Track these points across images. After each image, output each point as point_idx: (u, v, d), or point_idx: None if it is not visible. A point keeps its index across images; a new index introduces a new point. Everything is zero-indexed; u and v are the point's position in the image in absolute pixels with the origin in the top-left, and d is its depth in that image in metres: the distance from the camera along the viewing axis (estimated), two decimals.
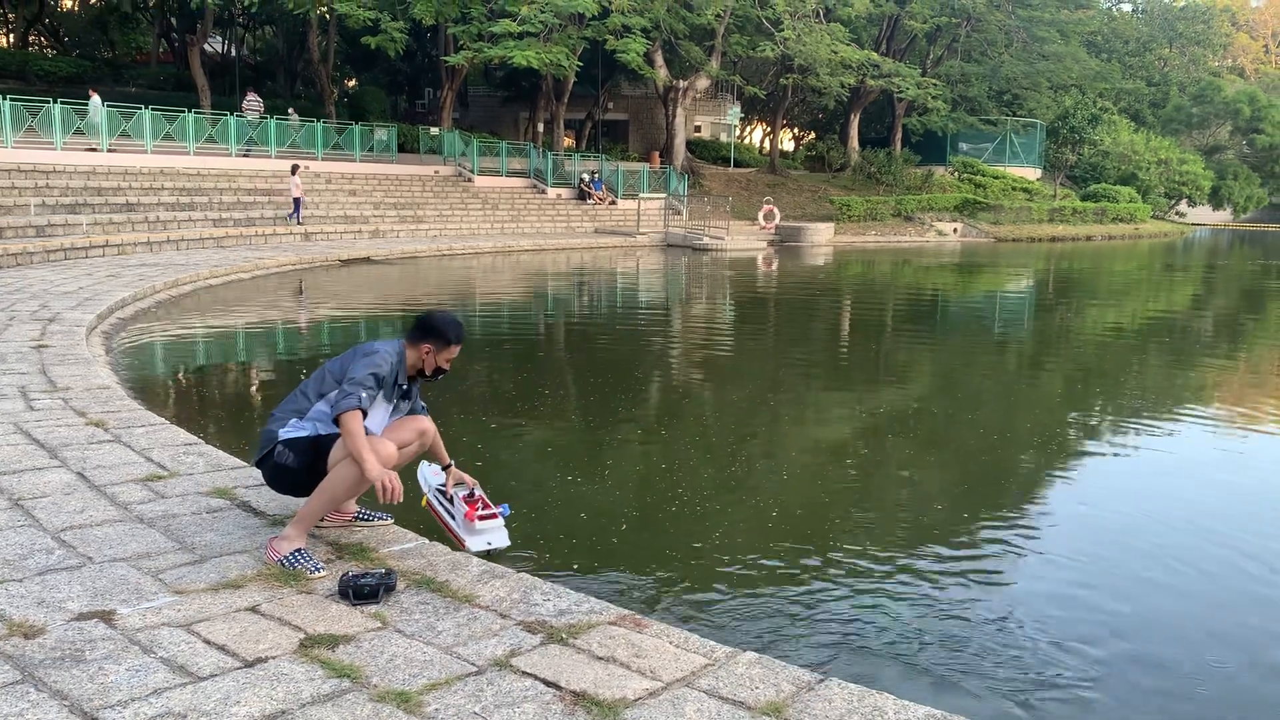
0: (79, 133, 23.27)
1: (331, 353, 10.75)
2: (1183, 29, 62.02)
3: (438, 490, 4.87)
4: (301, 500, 4.10)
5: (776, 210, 34.98)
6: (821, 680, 3.06)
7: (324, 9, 31.69)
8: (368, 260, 21.21)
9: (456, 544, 4.47)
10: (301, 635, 3.27)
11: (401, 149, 33.59)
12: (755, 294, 20.40)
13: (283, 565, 3.81)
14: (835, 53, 35.62)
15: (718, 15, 34.78)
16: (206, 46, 38.25)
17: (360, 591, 3.54)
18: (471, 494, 4.70)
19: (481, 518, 4.61)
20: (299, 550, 3.86)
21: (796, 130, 60.53)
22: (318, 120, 30.33)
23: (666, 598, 4.48)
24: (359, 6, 28.89)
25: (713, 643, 3.34)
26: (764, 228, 33.94)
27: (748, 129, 59.80)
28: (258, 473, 4.85)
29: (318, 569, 3.79)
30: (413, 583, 3.75)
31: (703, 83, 39.96)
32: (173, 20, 40.32)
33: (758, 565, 4.91)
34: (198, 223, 21.61)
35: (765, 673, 3.10)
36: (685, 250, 28.64)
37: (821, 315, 16.64)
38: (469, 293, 17.81)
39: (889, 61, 39.02)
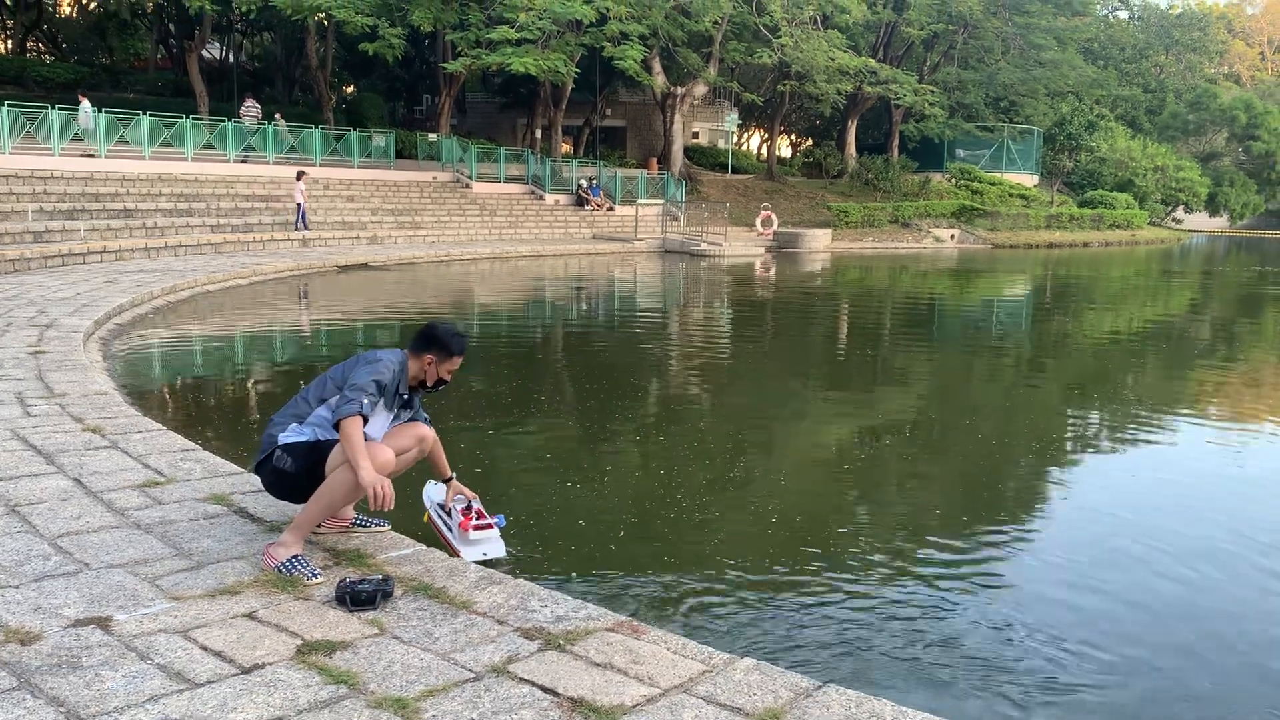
0: (76, 138, 23.27)
1: (329, 359, 10.76)
2: (1179, 36, 62.18)
3: (438, 506, 4.89)
4: (299, 506, 4.10)
5: (774, 216, 35.01)
6: (819, 686, 3.06)
7: (322, 15, 31.72)
8: (365, 266, 21.21)
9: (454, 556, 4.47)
10: (299, 641, 3.27)
11: (399, 155, 33.61)
12: (753, 300, 20.41)
13: (280, 571, 3.80)
14: (832, 59, 35.69)
15: (715, 22, 34.85)
16: (204, 52, 38.26)
17: (358, 598, 3.54)
18: (469, 506, 4.71)
19: (476, 527, 4.64)
20: (296, 556, 3.86)
21: (794, 137, 60.62)
22: (315, 126, 30.34)
23: (664, 604, 4.48)
24: (357, 13, 28.92)
25: (710, 649, 3.34)
26: (761, 234, 33.97)
27: (745, 135, 59.87)
28: (255, 479, 4.85)
29: (315, 575, 3.79)
30: (410, 589, 3.74)
31: (700, 89, 40.02)
32: (171, 26, 40.36)
33: (756, 571, 4.91)
34: (195, 229, 21.60)
35: (763, 679, 3.10)
36: (683, 256, 28.65)
37: (819, 321, 16.66)
38: (467, 299, 17.81)
39: (886, 68, 39.11)
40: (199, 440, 6.02)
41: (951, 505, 6.27)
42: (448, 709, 2.86)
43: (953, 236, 39.43)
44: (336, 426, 3.88)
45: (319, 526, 4.22)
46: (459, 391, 8.51)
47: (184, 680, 2.98)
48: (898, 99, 39.99)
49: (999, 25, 42.09)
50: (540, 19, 29.10)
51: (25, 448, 5.45)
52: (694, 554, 5.12)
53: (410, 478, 4.82)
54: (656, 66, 36.88)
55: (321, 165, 28.78)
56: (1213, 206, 61.53)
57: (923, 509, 6.14)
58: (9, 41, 42.10)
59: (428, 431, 4.38)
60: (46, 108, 22.62)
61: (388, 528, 4.43)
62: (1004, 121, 48.39)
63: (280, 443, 4.07)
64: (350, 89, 47.77)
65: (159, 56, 43.36)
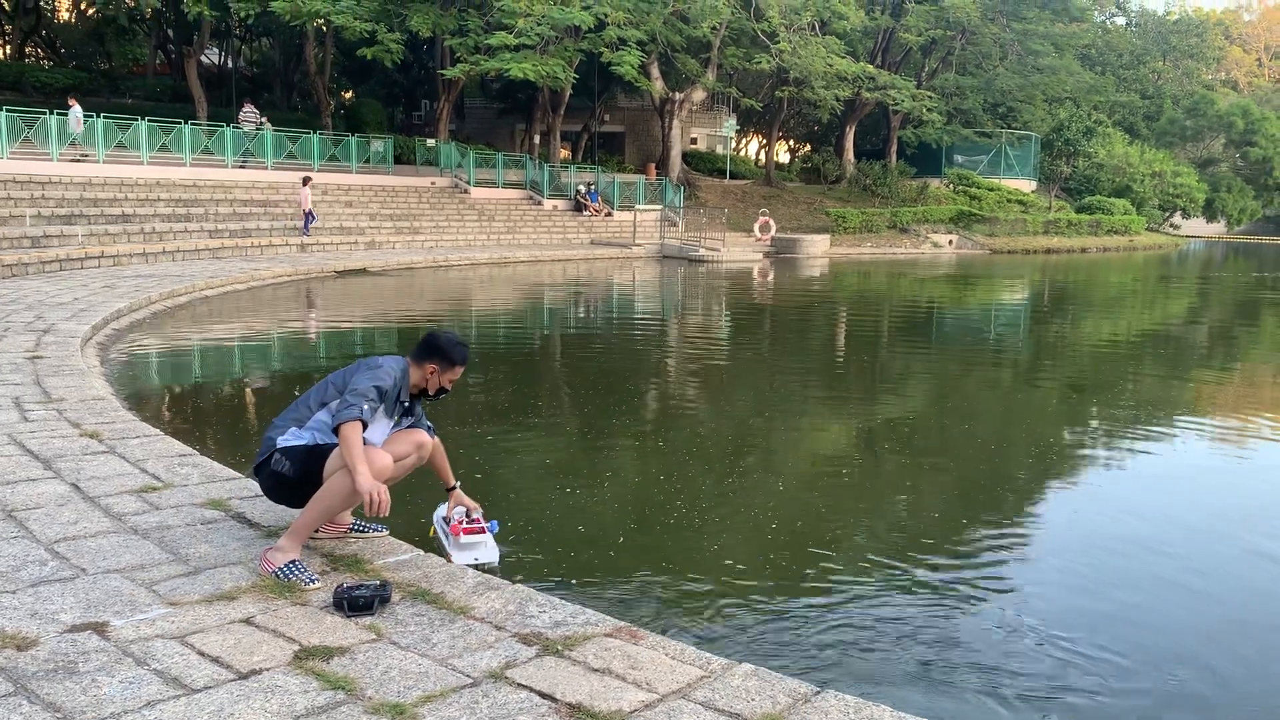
0: (74, 143, 23.27)
1: (327, 364, 10.76)
2: (1176, 42, 62.30)
3: (440, 519, 4.90)
4: (296, 511, 4.10)
5: (772, 222, 35.05)
6: (818, 692, 3.06)
7: (320, 21, 31.77)
8: (364, 271, 21.21)
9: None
10: (296, 647, 3.26)
11: (398, 160, 33.63)
12: (751, 306, 20.42)
13: (277, 577, 3.80)
14: (830, 65, 35.76)
15: (714, 28, 34.91)
16: (203, 58, 38.27)
17: (355, 603, 3.53)
18: (469, 515, 4.72)
19: (467, 531, 4.66)
20: (293, 562, 3.85)
21: (792, 142, 60.68)
22: (313, 132, 30.36)
23: (663, 609, 4.47)
24: (355, 19, 28.95)
25: (709, 654, 3.33)
26: (760, 239, 34.00)
27: (743, 141, 59.96)
28: (252, 484, 4.85)
29: (312, 580, 3.78)
30: (408, 594, 3.73)
31: (699, 95, 40.08)
32: (169, 32, 40.37)
33: (755, 576, 4.90)
34: (193, 234, 21.60)
35: (761, 684, 3.09)
36: (681, 262, 28.67)
37: (818, 327, 16.66)
38: (466, 304, 17.81)
39: (884, 74, 39.17)
40: (196, 445, 6.01)
41: (951, 509, 6.26)
42: (445, 715, 2.86)
43: (951, 242, 39.47)
44: (336, 431, 3.88)
45: (317, 531, 4.22)
46: (458, 397, 8.50)
47: (181, 686, 2.97)
48: (896, 105, 40.05)
49: (997, 31, 42.17)
50: (539, 25, 29.15)
51: (22, 452, 5.44)
52: (693, 559, 5.11)
53: (409, 483, 4.82)
54: (655, 72, 36.94)
55: (320, 170, 28.78)
56: (1210, 212, 61.61)
57: (922, 513, 6.14)
58: (7, 47, 42.12)
59: (427, 439, 4.38)
60: (45, 113, 22.60)
61: (386, 533, 4.42)
62: (1002, 127, 48.48)
63: (279, 446, 4.08)
64: (349, 94, 47.82)
65: (158, 62, 43.38)
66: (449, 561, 4.60)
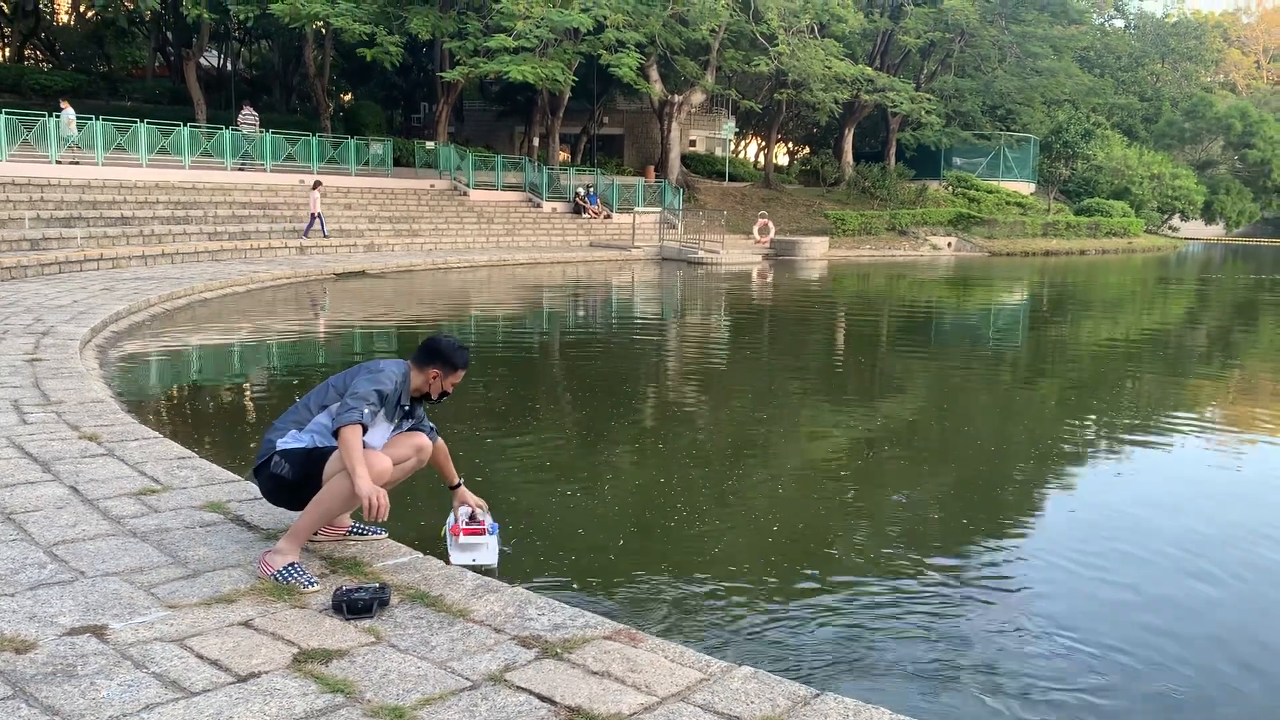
0: (74, 146, 23.26)
1: (326, 366, 10.75)
2: (1175, 45, 62.36)
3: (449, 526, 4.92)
4: (295, 514, 4.10)
5: (771, 224, 35.07)
6: (817, 695, 3.05)
7: (320, 23, 31.78)
8: (363, 274, 21.21)
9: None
10: (295, 650, 3.26)
11: (397, 163, 33.64)
12: (751, 308, 20.42)
13: (276, 579, 3.79)
14: (829, 68, 35.79)
15: (713, 30, 34.94)
16: (202, 60, 38.28)
17: (354, 606, 3.53)
18: (473, 516, 4.73)
19: (467, 532, 4.67)
20: (293, 564, 3.85)
21: (791, 145, 60.71)
22: (312, 134, 30.36)
23: (663, 612, 4.47)
24: (355, 21, 28.97)
25: (708, 657, 3.33)
26: (759, 242, 34.02)
27: (743, 143, 59.98)
28: (251, 487, 4.85)
29: (311, 583, 3.78)
30: (407, 597, 3.73)
31: (698, 97, 40.10)
32: (169, 34, 40.38)
33: (755, 578, 4.90)
34: (192, 236, 21.60)
35: (761, 687, 3.09)
36: (680, 264, 28.68)
37: (817, 329, 16.66)
38: (465, 307, 17.81)
39: (883, 76, 39.20)
40: (195, 448, 6.01)
41: (951, 510, 6.26)
42: (444, 717, 2.85)
43: (950, 244, 39.49)
44: (336, 434, 3.88)
45: (316, 534, 4.22)
46: (459, 399, 8.48)
47: (180, 689, 2.97)
48: (894, 107, 40.09)
49: (995, 34, 42.22)
50: (538, 27, 29.17)
51: (21, 455, 5.44)
52: (693, 561, 5.11)
53: (409, 487, 4.82)
54: (654, 74, 36.97)
55: (319, 173, 28.80)
56: (1209, 214, 61.69)
57: (922, 514, 6.13)
58: (7, 49, 42.12)
59: (427, 442, 4.38)
60: (44, 115, 22.60)
61: (385, 535, 4.42)
62: (1001, 129, 48.52)
63: (278, 448, 4.08)
64: (348, 97, 47.84)
65: (157, 64, 43.38)
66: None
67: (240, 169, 27.21)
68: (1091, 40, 49.81)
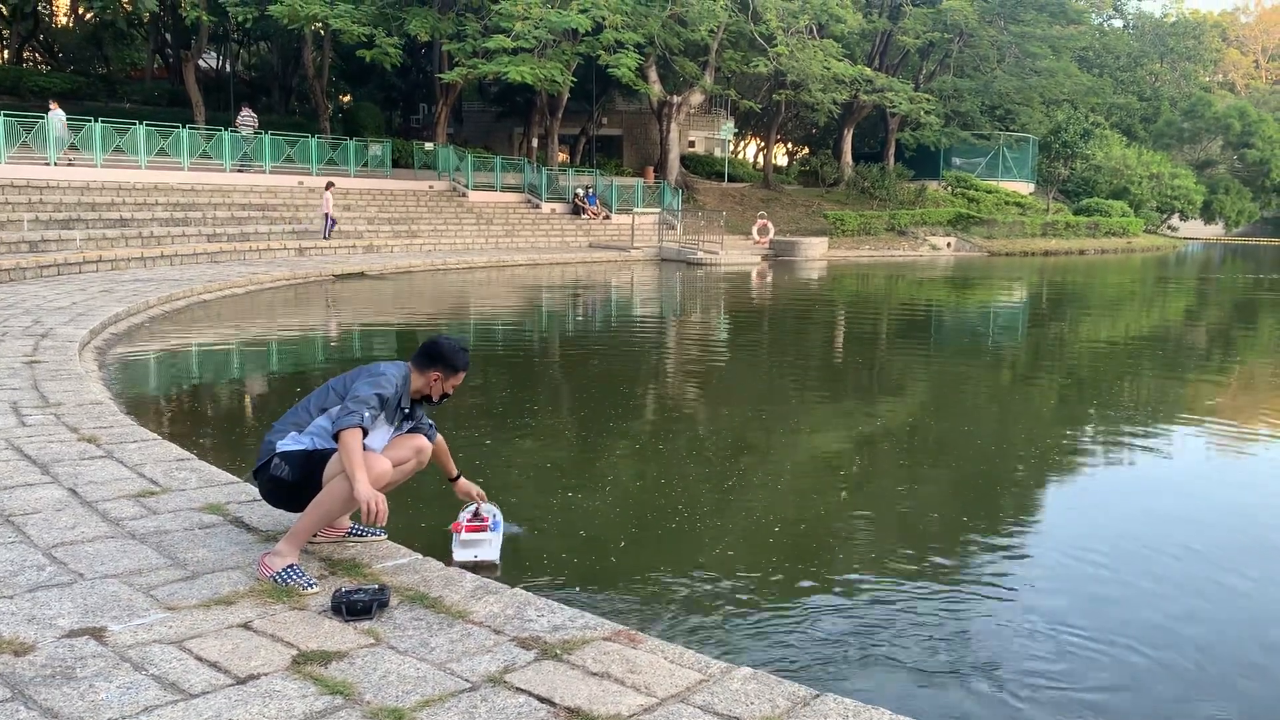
0: (73, 147, 23.24)
1: (325, 367, 10.75)
2: (1174, 44, 62.41)
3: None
4: (295, 516, 4.09)
5: (770, 225, 35.07)
6: (817, 695, 3.05)
7: (319, 25, 31.78)
8: (362, 275, 21.21)
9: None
10: (294, 652, 3.25)
11: (396, 164, 33.65)
12: (750, 308, 20.43)
13: (275, 581, 3.79)
14: (828, 68, 35.81)
15: (711, 31, 34.95)
16: (201, 62, 38.29)
17: (353, 608, 3.52)
18: (477, 513, 4.78)
19: (470, 529, 4.71)
20: (292, 566, 3.85)
21: (790, 145, 60.74)
22: (311, 135, 30.36)
23: (662, 613, 4.46)
24: (354, 22, 28.98)
25: (708, 658, 3.33)
26: (758, 242, 34.02)
27: (742, 144, 60.00)
28: (250, 489, 4.85)
29: (310, 585, 3.77)
30: (406, 599, 3.73)
31: (697, 98, 40.12)
32: (167, 36, 40.38)
33: (755, 579, 4.90)
34: (192, 238, 21.59)
35: (760, 688, 3.09)
36: (679, 265, 28.68)
37: (817, 330, 16.66)
38: (464, 308, 17.80)
39: (882, 77, 39.22)
40: (194, 450, 6.00)
41: (951, 509, 6.26)
42: (444, 719, 2.85)
43: (949, 244, 39.50)
44: (336, 437, 3.88)
45: (315, 536, 4.21)
46: (458, 400, 8.49)
47: (179, 691, 2.96)
48: (893, 107, 40.11)
49: (994, 34, 42.24)
50: (536, 28, 29.18)
51: (20, 457, 5.43)
52: (692, 562, 5.10)
53: (410, 488, 4.82)
54: (653, 75, 36.98)
55: (318, 174, 28.81)
56: (1208, 214, 61.76)
57: (922, 514, 6.13)
58: (5, 51, 42.09)
59: (426, 444, 4.39)
60: (43, 117, 22.59)
61: (384, 537, 4.41)
62: (1000, 129, 48.54)
63: (278, 450, 4.08)
64: (347, 98, 47.83)
65: (155, 66, 43.35)
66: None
67: (239, 170, 27.21)
68: (1090, 40, 49.86)
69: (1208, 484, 7.18)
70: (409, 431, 4.40)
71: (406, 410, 4.29)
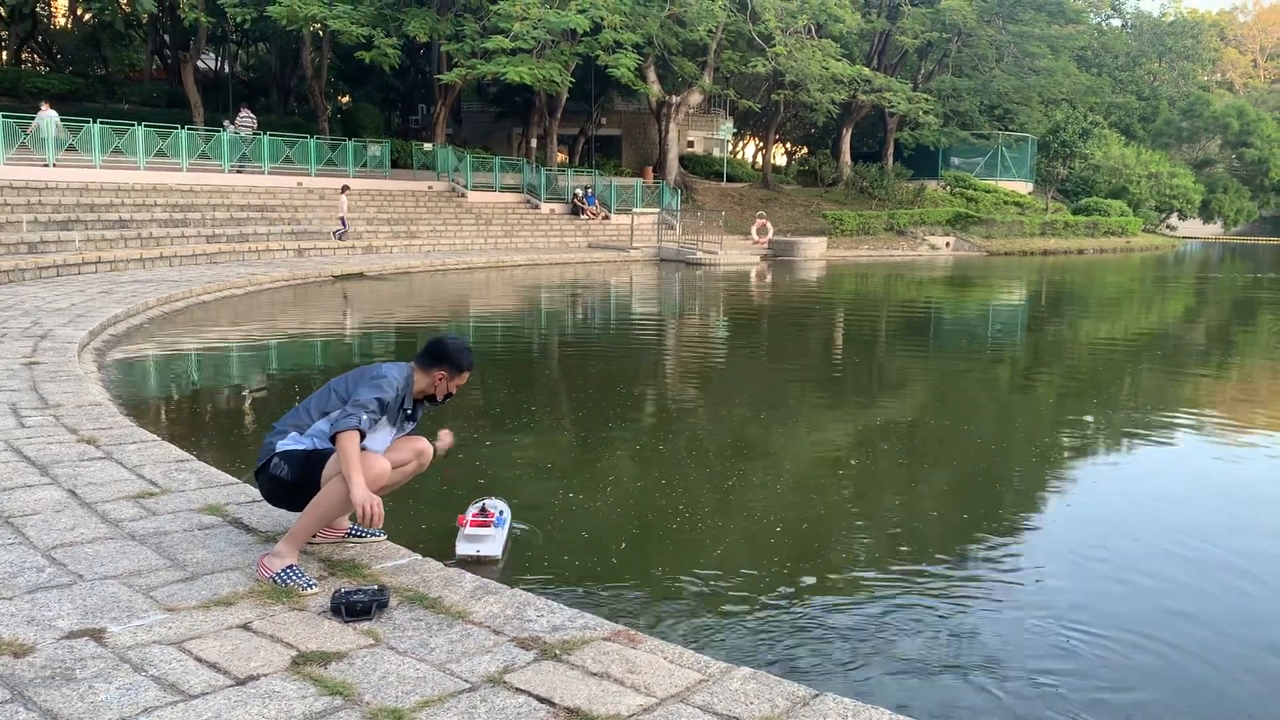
0: (71, 149, 23.22)
1: (325, 369, 10.74)
2: (1172, 44, 62.44)
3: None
4: (294, 517, 4.09)
5: (769, 225, 35.06)
6: (816, 695, 3.05)
7: (317, 26, 31.77)
8: (361, 276, 21.20)
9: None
10: (294, 652, 3.25)
11: (395, 164, 33.63)
12: (750, 308, 20.43)
13: (275, 582, 3.79)
14: (826, 68, 35.81)
15: (710, 31, 34.94)
16: (200, 63, 38.27)
17: (353, 608, 3.52)
18: (484, 509, 4.91)
19: (475, 523, 4.77)
20: (291, 567, 3.85)
21: (789, 145, 60.75)
22: (310, 136, 30.36)
23: (663, 613, 4.46)
24: (352, 23, 28.96)
25: (707, 658, 3.33)
26: (757, 242, 34.02)
27: (740, 144, 60.00)
28: (250, 490, 4.85)
29: (310, 586, 3.77)
30: (406, 599, 3.73)
31: (695, 98, 40.11)
32: (166, 37, 40.36)
33: (755, 579, 4.90)
34: (190, 239, 21.59)
35: (760, 688, 3.09)
36: (679, 265, 28.68)
37: (817, 329, 16.67)
38: (464, 308, 17.80)
39: (880, 76, 39.22)
40: (194, 451, 6.00)
41: (952, 509, 6.26)
42: (443, 719, 2.85)
43: (948, 244, 39.51)
44: (333, 440, 3.88)
45: (314, 537, 4.21)
46: (457, 401, 8.48)
47: (178, 692, 2.96)
48: (892, 107, 40.12)
49: (993, 33, 42.25)
50: (535, 28, 29.17)
51: (19, 459, 5.43)
52: (692, 562, 5.10)
53: (409, 490, 4.82)
54: (651, 75, 36.97)
55: (317, 175, 28.81)
56: (1206, 213, 61.78)
57: (924, 515, 6.13)
58: (4, 52, 42.06)
59: (427, 446, 4.40)
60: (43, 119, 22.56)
61: (383, 538, 4.41)
62: (998, 129, 48.56)
63: (278, 450, 4.08)
64: (346, 99, 47.82)
65: (154, 67, 43.33)
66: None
67: (238, 171, 27.20)
68: (1089, 40, 49.88)
69: (1208, 482, 7.19)
70: (410, 434, 4.40)
71: (409, 411, 4.29)
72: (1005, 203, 45.15)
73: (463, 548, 4.76)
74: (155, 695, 2.94)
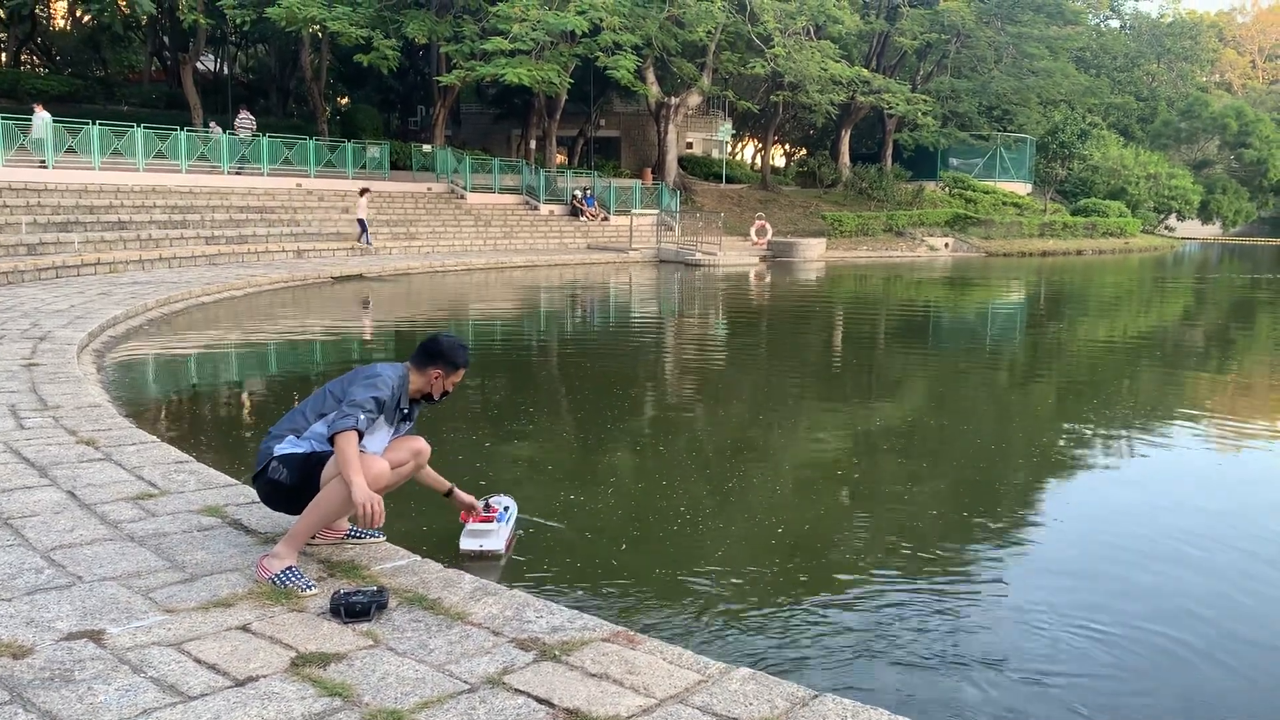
0: (71, 150, 23.22)
1: (324, 370, 10.74)
2: (1170, 45, 62.52)
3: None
4: (294, 518, 4.09)
5: (768, 226, 35.08)
6: (816, 696, 3.05)
7: (316, 27, 31.78)
8: (360, 277, 21.20)
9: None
10: (293, 654, 3.25)
11: (394, 166, 33.64)
12: (749, 309, 20.43)
13: (274, 583, 3.79)
14: (825, 69, 35.84)
15: (709, 32, 34.96)
16: (199, 65, 38.28)
17: (352, 609, 3.52)
18: (488, 505, 4.97)
19: (477, 519, 4.84)
20: (290, 568, 3.85)
21: (788, 146, 60.77)
22: (309, 138, 30.37)
23: (662, 614, 4.46)
24: (351, 25, 28.97)
25: (706, 659, 3.33)
26: (756, 243, 34.04)
27: (739, 145, 60.05)
28: (249, 491, 4.85)
29: (309, 587, 3.77)
30: (405, 600, 3.73)
31: (694, 99, 40.15)
32: (165, 39, 40.40)
33: (754, 580, 4.90)
34: (190, 240, 21.58)
35: (759, 689, 3.09)
36: (678, 266, 28.69)
37: (816, 330, 16.67)
38: (463, 309, 17.80)
39: (879, 78, 39.25)
40: (193, 452, 6.00)
41: (951, 509, 6.26)
42: None
43: (947, 245, 39.53)
44: (330, 441, 3.88)
45: (313, 538, 4.21)
46: (457, 402, 8.49)
47: (177, 693, 2.96)
48: (891, 108, 40.14)
49: (991, 35, 42.29)
50: (534, 30, 29.18)
51: (18, 460, 5.43)
52: (692, 563, 5.10)
53: (409, 489, 4.82)
54: (650, 76, 37.00)
55: (316, 176, 28.82)
56: (1205, 214, 61.85)
57: (923, 515, 6.13)
58: (3, 54, 42.08)
59: (425, 446, 4.41)
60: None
61: (382, 539, 4.41)
62: (997, 130, 48.61)
63: (275, 454, 4.07)
64: (345, 101, 47.83)
65: (153, 69, 43.36)
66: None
67: (237, 173, 27.20)
68: (1087, 41, 49.96)
69: (1207, 481, 7.18)
70: (408, 433, 4.40)
71: (405, 411, 4.30)
72: (1004, 204, 45.21)
73: (466, 543, 4.81)
74: (154, 696, 2.94)
